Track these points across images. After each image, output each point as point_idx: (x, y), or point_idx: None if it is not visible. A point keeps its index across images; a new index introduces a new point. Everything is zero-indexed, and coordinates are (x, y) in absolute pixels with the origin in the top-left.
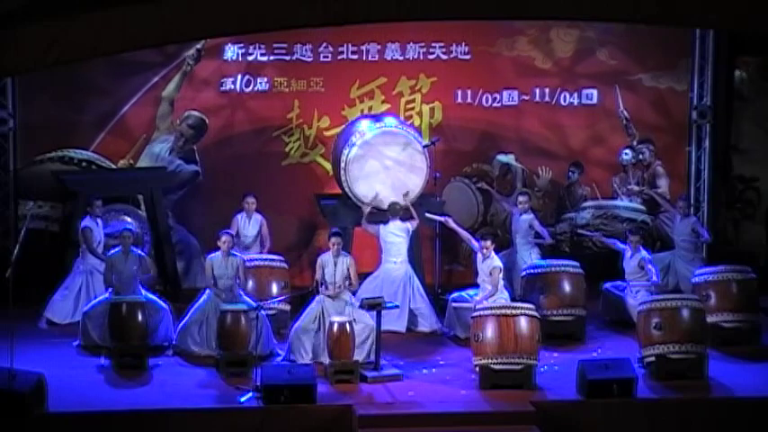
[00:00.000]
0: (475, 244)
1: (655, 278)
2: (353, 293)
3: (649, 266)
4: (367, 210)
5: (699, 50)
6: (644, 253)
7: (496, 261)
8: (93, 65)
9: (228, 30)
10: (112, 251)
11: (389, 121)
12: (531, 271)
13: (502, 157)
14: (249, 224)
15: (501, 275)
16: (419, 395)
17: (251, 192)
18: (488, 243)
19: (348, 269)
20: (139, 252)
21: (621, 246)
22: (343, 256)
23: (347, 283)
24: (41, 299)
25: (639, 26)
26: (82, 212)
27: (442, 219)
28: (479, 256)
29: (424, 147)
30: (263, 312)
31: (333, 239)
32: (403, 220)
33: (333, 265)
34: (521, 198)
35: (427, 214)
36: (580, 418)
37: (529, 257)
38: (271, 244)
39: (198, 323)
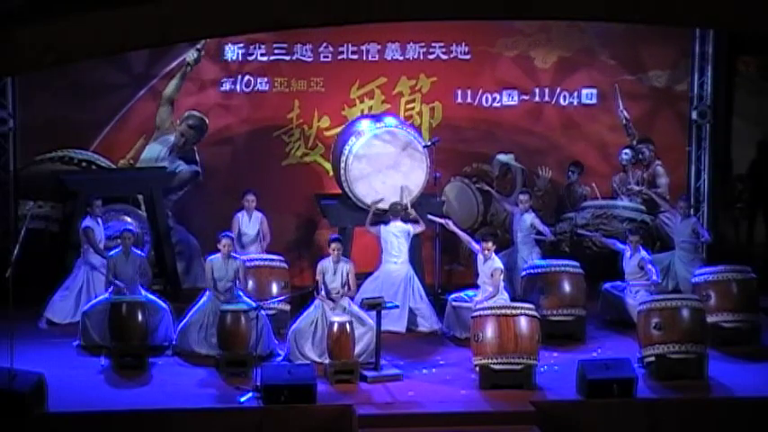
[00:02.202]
0: (475, 246)
1: (655, 278)
2: (351, 299)
3: (649, 266)
4: (372, 211)
5: (699, 50)
6: (644, 253)
7: (497, 262)
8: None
9: (228, 30)
10: (113, 252)
11: (389, 121)
12: (531, 271)
13: (502, 157)
14: (250, 222)
15: (502, 277)
16: (419, 395)
17: (251, 189)
18: (489, 244)
19: (347, 275)
20: (140, 253)
21: (621, 246)
22: (343, 262)
23: (345, 289)
24: (41, 299)
25: (639, 26)
26: (82, 212)
27: (442, 221)
28: (480, 257)
29: (425, 147)
30: (263, 312)
31: (333, 245)
32: (404, 220)
33: (333, 271)
34: (522, 197)
35: (429, 216)
36: (580, 418)
37: (530, 257)
38: (271, 239)
39: (198, 323)
